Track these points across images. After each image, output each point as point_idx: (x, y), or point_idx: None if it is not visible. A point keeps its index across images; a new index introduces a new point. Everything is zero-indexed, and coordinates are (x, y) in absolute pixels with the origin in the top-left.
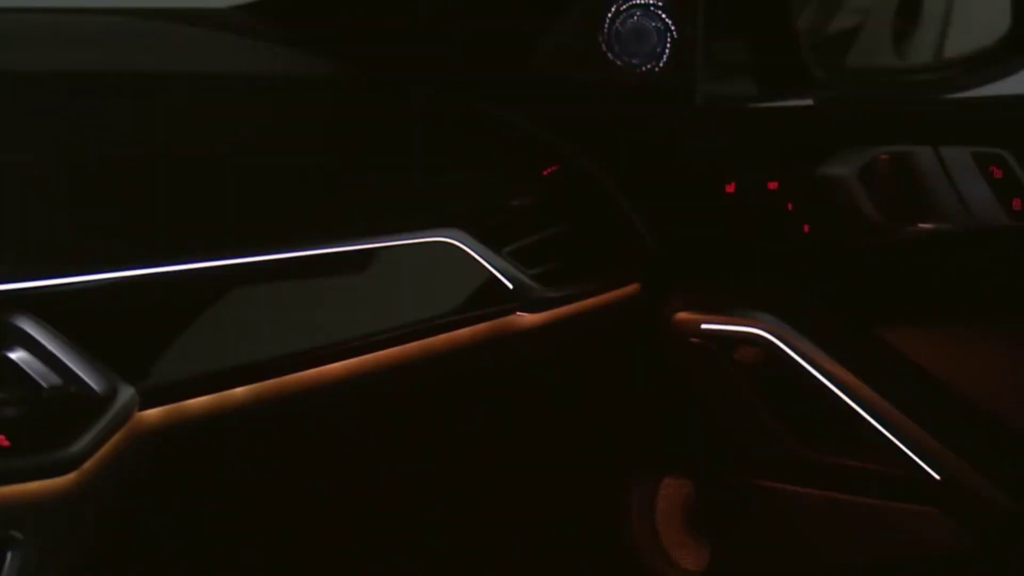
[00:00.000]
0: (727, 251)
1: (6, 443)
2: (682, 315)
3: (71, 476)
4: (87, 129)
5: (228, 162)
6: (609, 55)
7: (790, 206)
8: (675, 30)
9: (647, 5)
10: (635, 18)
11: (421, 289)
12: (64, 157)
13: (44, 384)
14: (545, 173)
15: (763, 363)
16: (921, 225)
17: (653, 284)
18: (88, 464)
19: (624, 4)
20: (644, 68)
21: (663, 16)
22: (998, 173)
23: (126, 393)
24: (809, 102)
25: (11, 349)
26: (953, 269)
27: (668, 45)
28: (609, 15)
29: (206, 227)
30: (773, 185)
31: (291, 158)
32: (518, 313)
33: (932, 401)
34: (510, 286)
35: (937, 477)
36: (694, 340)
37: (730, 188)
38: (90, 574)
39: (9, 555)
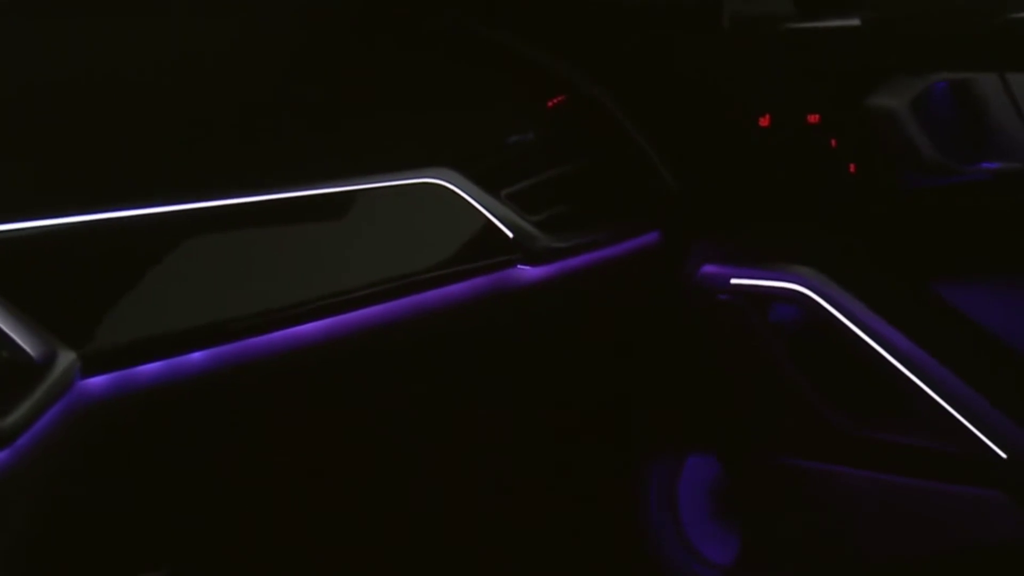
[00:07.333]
0: (760, 194)
1: None
2: (709, 268)
3: (2, 453)
4: (19, 54)
5: (189, 93)
6: None
7: (833, 142)
8: None
9: None
10: None
11: (408, 238)
12: None
13: None
14: (550, 104)
15: (802, 323)
16: (984, 164)
17: (675, 232)
18: (22, 439)
19: None
20: None
21: None
22: None
23: (66, 359)
24: (855, 22)
25: None
26: (1022, 215)
27: None
28: None
29: (159, 166)
30: (813, 118)
31: (259, 87)
32: (519, 266)
33: (996, 368)
34: (509, 234)
35: (1003, 455)
36: (722, 296)
37: (764, 121)
38: (24, 562)
39: None
